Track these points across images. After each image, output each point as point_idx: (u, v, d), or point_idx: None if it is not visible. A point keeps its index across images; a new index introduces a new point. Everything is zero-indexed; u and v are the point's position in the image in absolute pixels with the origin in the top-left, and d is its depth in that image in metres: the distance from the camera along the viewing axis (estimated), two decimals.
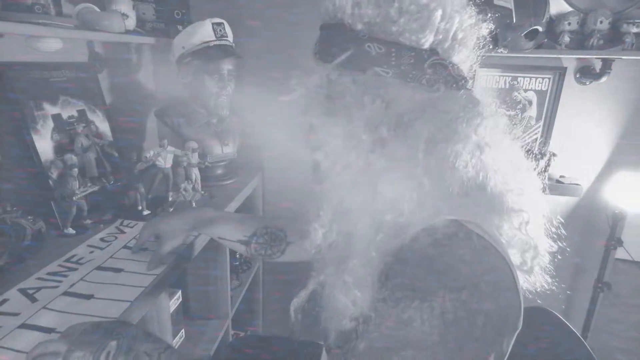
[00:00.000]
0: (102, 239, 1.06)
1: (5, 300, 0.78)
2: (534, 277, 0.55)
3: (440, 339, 0.44)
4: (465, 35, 0.54)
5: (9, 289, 0.82)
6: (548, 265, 0.56)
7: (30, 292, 0.82)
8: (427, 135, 0.49)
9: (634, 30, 1.33)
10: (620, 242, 1.60)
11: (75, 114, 1.22)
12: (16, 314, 0.74)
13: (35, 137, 1.07)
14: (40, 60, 1.12)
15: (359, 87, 0.52)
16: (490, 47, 0.57)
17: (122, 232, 1.10)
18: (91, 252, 0.99)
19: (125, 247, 1.02)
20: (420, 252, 0.47)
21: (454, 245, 0.47)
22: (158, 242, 0.93)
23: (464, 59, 0.56)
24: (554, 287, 0.56)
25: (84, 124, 1.22)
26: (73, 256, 0.96)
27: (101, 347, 0.54)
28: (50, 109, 1.13)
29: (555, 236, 0.58)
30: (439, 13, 0.51)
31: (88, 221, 1.11)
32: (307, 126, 0.58)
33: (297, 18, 1.58)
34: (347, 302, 0.50)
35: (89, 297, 0.81)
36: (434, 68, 0.52)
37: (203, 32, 1.36)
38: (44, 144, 1.09)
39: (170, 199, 1.19)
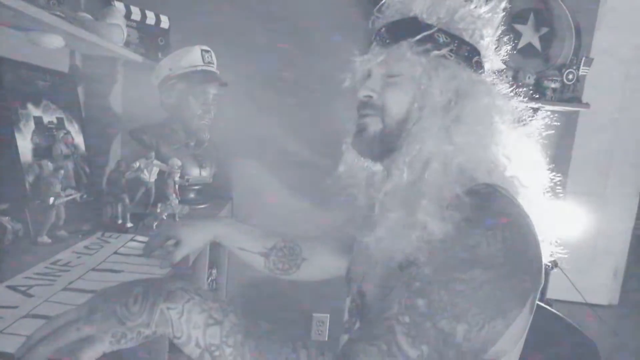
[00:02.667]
0: (86, 247, 0.97)
1: None
2: None
3: (504, 261, 0.52)
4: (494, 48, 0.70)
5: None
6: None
7: (22, 289, 0.72)
8: (481, 105, 0.61)
9: (552, 85, 1.66)
10: None
11: (55, 121, 1.15)
12: (14, 307, 0.65)
13: (17, 136, 0.99)
14: (26, 60, 1.07)
15: (430, 62, 0.63)
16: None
17: (107, 242, 1.02)
18: (78, 257, 0.90)
19: (116, 253, 0.95)
20: (478, 197, 0.56)
21: (498, 197, 0.58)
22: (176, 244, 0.88)
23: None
24: None
25: (64, 131, 1.15)
26: (58, 260, 0.87)
27: (126, 292, 0.48)
28: (33, 110, 1.06)
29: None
30: (485, 27, 0.67)
31: (63, 232, 1.01)
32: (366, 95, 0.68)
33: (275, 49, 1.70)
34: (414, 237, 0.56)
35: (93, 292, 0.73)
36: (479, 62, 0.68)
37: (192, 56, 1.41)
38: (24, 145, 1.01)
39: (158, 210, 1.14)
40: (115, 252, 0.95)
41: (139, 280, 0.53)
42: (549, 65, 1.72)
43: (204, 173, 1.51)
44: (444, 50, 0.63)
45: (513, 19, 1.69)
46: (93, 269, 0.84)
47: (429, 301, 0.51)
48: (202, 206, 1.52)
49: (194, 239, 0.91)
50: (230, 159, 1.69)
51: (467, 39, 0.66)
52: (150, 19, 1.57)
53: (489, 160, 0.62)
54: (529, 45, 1.73)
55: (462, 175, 0.59)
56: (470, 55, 0.66)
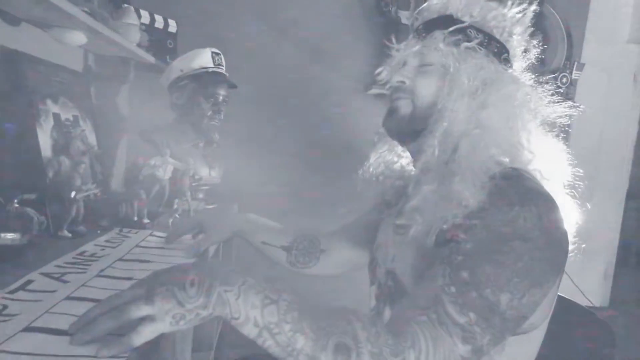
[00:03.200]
0: (107, 241, 0.97)
1: (30, 282, 0.68)
2: None
3: (540, 234, 0.56)
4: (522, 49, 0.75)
5: (28, 272, 0.71)
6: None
7: (56, 275, 0.72)
8: (507, 92, 0.65)
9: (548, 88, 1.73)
10: None
11: (71, 118, 1.15)
12: (53, 291, 0.66)
13: (38, 131, 0.99)
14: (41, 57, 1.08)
15: (460, 53, 0.68)
16: None
17: (127, 236, 1.02)
18: (102, 249, 0.90)
19: (138, 246, 0.95)
20: (509, 178, 0.61)
21: (527, 178, 0.63)
22: (203, 234, 0.90)
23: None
24: None
25: (81, 129, 1.15)
26: (84, 251, 0.87)
27: (182, 277, 0.49)
28: (52, 107, 1.07)
29: None
30: (514, 26, 0.72)
31: (82, 227, 1.01)
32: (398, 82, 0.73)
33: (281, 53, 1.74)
34: (450, 209, 0.60)
35: (129, 279, 0.74)
36: (507, 59, 0.73)
37: (203, 58, 1.43)
38: (45, 140, 1.01)
39: (175, 206, 1.15)
40: (137, 245, 0.95)
41: (188, 264, 0.54)
42: (544, 69, 1.79)
43: (214, 173, 1.53)
44: (474, 43, 0.68)
45: None
46: (120, 259, 0.85)
47: (472, 273, 0.54)
48: (211, 206, 1.53)
49: (218, 231, 0.92)
50: (238, 160, 1.71)
51: (497, 36, 0.71)
52: (159, 22, 1.60)
53: (515, 145, 0.66)
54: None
55: (490, 159, 0.63)
56: (499, 52, 0.71)
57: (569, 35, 1.77)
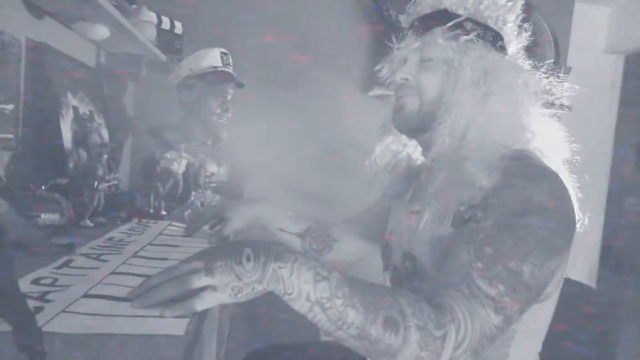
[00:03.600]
0: (130, 229, 0.99)
1: (70, 260, 0.70)
2: None
3: (553, 207, 0.61)
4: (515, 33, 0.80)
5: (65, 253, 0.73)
6: None
7: (94, 255, 0.74)
8: (507, 80, 0.71)
9: None
10: None
11: (88, 113, 1.17)
12: (96, 268, 0.68)
13: (60, 122, 1.01)
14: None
15: (460, 46, 0.72)
16: None
17: (148, 226, 1.04)
18: (128, 236, 0.92)
19: (162, 234, 0.97)
20: (517, 159, 0.66)
21: (533, 158, 0.68)
22: (223, 223, 0.92)
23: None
24: None
25: (98, 122, 1.17)
26: (112, 237, 0.89)
27: (239, 252, 0.52)
28: (72, 100, 1.09)
29: None
30: (507, 13, 0.77)
31: (101, 218, 1.03)
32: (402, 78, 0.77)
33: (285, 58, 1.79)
34: (466, 192, 0.65)
35: (164, 259, 0.77)
36: (502, 46, 0.77)
37: (212, 58, 1.47)
38: (66, 131, 1.03)
39: (192, 198, 1.17)
40: (161, 233, 0.98)
41: (244, 241, 0.56)
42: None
43: (221, 170, 1.55)
44: (472, 35, 0.72)
45: None
46: (150, 244, 0.87)
47: (495, 248, 0.57)
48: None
49: (239, 217, 0.95)
50: (244, 158, 1.74)
51: (492, 25, 0.75)
52: (166, 24, 1.63)
53: (518, 128, 0.71)
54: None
55: (496, 143, 0.68)
56: (494, 40, 0.75)
57: (556, 42, 1.88)
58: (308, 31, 1.82)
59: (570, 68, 1.85)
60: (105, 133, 1.29)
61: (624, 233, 3.57)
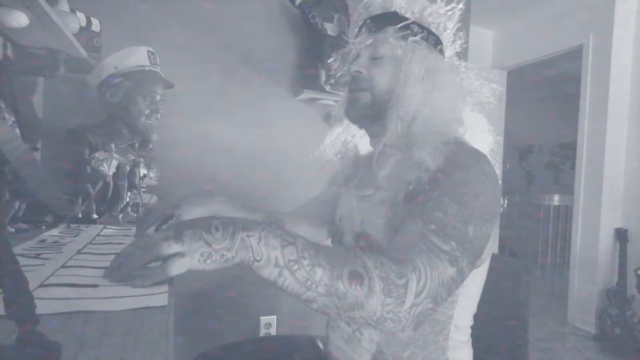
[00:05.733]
0: (61, 233, 0.90)
1: None
2: None
3: (487, 180, 0.71)
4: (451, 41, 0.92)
5: None
6: None
7: (32, 255, 0.67)
8: (446, 79, 0.82)
9: None
10: None
11: None
12: (40, 265, 0.62)
13: None
14: None
15: (408, 46, 0.82)
16: None
17: (80, 230, 0.96)
18: (62, 238, 0.84)
19: (100, 235, 0.90)
20: (455, 144, 0.76)
21: (468, 143, 0.79)
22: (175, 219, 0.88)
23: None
24: None
25: (12, 120, 1.05)
26: (44, 239, 0.81)
27: (207, 223, 0.54)
28: None
29: None
30: (447, 21, 0.88)
31: (20, 224, 0.92)
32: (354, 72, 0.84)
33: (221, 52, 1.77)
34: (415, 172, 0.73)
35: (115, 254, 0.72)
36: (441, 49, 0.88)
37: (138, 56, 1.40)
38: None
39: (127, 199, 1.10)
40: (99, 235, 0.91)
41: (211, 216, 0.57)
42: None
43: (151, 174, 1.47)
44: (418, 37, 0.82)
45: None
46: (91, 243, 0.80)
47: (444, 212, 0.66)
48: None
49: (191, 214, 0.92)
50: (175, 161, 1.67)
51: (434, 30, 0.87)
52: (82, 20, 1.51)
53: (455, 120, 0.83)
54: None
55: (438, 132, 0.78)
56: (435, 43, 0.86)
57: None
58: (233, 32, 1.82)
59: None
60: (17, 132, 1.15)
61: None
